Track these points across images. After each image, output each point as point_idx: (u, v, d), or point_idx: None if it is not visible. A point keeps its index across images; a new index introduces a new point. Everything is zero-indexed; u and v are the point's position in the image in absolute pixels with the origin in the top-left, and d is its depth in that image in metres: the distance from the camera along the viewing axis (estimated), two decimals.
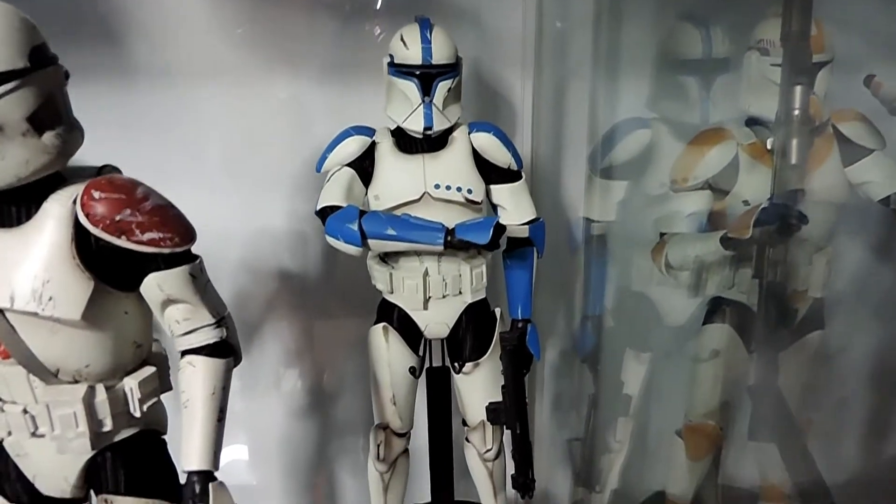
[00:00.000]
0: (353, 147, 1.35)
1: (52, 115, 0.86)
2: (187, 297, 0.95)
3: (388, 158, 1.35)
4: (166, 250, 0.91)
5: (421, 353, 1.51)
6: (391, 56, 1.33)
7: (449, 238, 1.25)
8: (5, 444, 0.99)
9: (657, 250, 1.48)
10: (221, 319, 0.99)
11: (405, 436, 1.56)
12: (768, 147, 1.27)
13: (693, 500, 1.69)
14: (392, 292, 1.43)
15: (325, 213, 1.31)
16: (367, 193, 1.37)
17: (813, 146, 1.28)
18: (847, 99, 1.37)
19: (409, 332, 1.46)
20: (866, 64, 1.36)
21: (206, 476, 0.91)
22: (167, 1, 1.57)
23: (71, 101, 0.95)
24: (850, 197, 1.39)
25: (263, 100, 1.64)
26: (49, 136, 0.85)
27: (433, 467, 1.76)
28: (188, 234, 0.94)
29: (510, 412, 1.47)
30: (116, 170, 0.99)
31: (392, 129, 1.39)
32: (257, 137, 1.66)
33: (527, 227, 1.41)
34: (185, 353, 0.97)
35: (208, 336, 0.97)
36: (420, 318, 1.45)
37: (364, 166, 1.36)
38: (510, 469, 1.55)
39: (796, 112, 1.17)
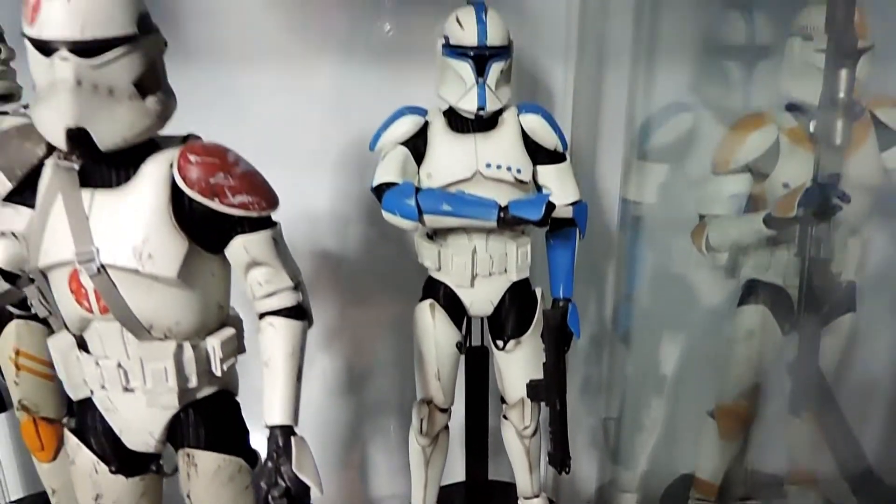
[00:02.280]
0: (406, 126, 1.39)
1: (154, 80, 0.91)
2: (270, 260, 0.99)
3: (441, 138, 1.40)
4: (254, 213, 0.95)
5: (464, 331, 1.55)
6: (446, 38, 1.37)
7: (502, 214, 1.29)
8: (95, 399, 1.03)
9: (697, 232, 1.52)
10: (298, 284, 1.03)
11: (447, 411, 1.60)
12: (810, 131, 1.31)
13: (722, 483, 1.73)
14: (440, 269, 1.47)
15: (380, 190, 1.35)
16: (419, 171, 1.41)
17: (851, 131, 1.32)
18: (885, 85, 1.41)
19: (455, 309, 1.50)
20: None
21: (288, 430, 0.95)
22: None
23: None
24: (886, 182, 1.43)
25: (308, 81, 1.68)
26: (151, 101, 0.90)
27: (468, 445, 1.81)
28: (273, 199, 0.98)
29: (551, 389, 1.51)
30: (199, 139, 1.03)
31: (444, 109, 1.43)
32: (301, 118, 1.70)
33: (571, 207, 1.45)
34: (264, 314, 1.01)
35: (287, 299, 1.01)
36: (466, 295, 1.49)
37: (417, 145, 1.40)
38: (544, 447, 1.60)
39: (841, 96, 1.21)
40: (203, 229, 0.96)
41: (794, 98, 1.43)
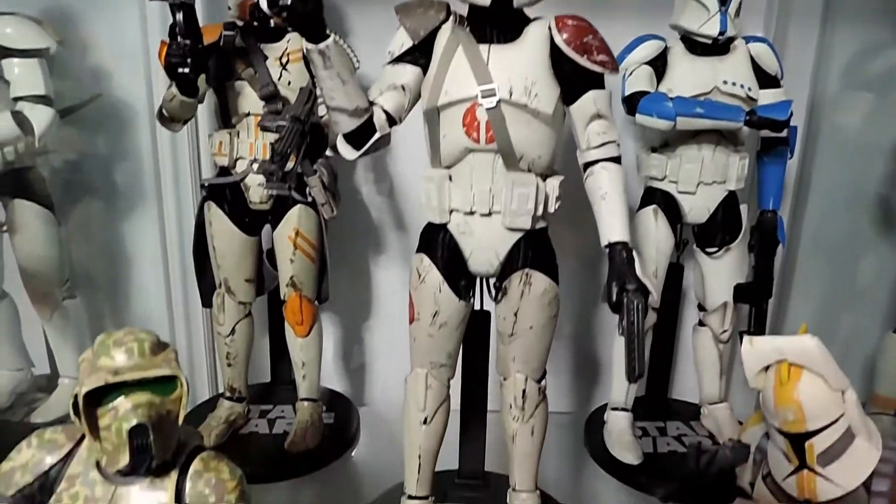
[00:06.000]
0: (649, 49, 1.62)
1: None
2: (607, 114, 1.21)
3: (682, 59, 1.62)
4: (607, 71, 1.18)
5: (678, 237, 1.74)
6: None
7: (749, 117, 1.50)
8: (451, 225, 1.25)
9: None
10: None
11: (655, 310, 1.78)
12: None
13: None
14: (664, 178, 1.68)
15: (632, 99, 1.58)
16: (657, 87, 1.63)
17: None
18: None
19: (672, 215, 1.70)
20: None
21: (626, 245, 1.16)
22: None
23: None
24: None
25: None
26: None
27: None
28: (616, 63, 1.20)
29: (760, 290, 1.70)
30: None
31: (679, 37, 1.65)
32: None
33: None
34: (596, 161, 1.21)
35: (615, 150, 1.22)
36: (686, 201, 1.68)
37: (657, 66, 1.62)
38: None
39: None
40: (566, 81, 1.19)
41: None
